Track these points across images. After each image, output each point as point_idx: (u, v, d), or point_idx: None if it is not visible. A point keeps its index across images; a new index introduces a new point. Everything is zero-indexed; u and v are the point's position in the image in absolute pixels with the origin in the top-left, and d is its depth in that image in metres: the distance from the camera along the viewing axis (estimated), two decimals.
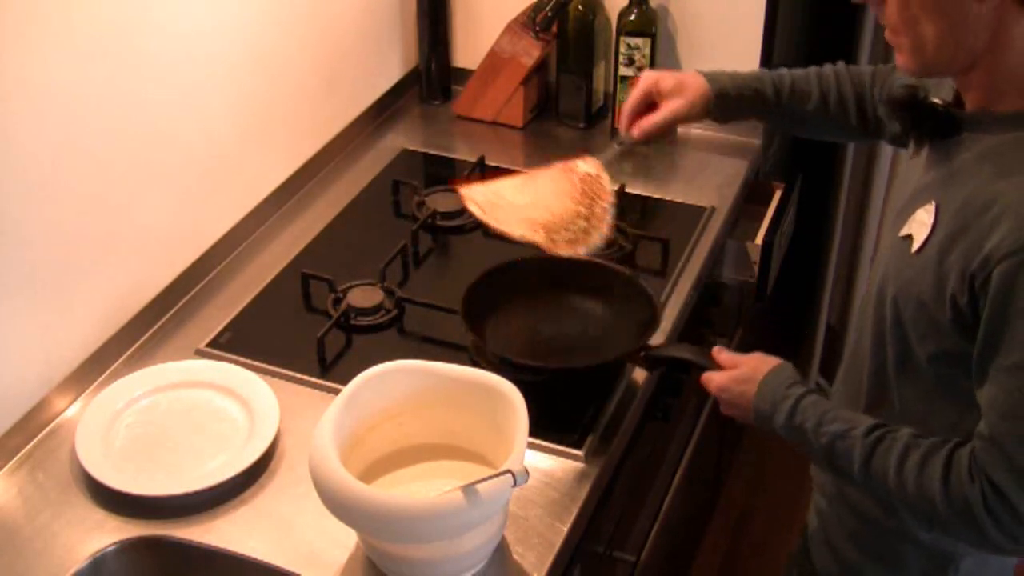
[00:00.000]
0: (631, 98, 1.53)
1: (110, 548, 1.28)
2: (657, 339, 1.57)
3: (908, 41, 1.08)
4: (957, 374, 1.14)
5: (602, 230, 1.40)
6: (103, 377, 1.51)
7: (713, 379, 1.32)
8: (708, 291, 1.85)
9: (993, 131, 1.09)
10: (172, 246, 1.63)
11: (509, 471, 1.11)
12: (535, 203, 1.42)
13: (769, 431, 1.26)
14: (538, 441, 1.38)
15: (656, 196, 1.89)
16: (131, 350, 1.56)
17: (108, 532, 1.29)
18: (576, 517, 1.31)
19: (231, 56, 1.67)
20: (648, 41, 1.96)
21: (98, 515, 1.31)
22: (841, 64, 1.52)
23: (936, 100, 1.16)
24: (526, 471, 1.13)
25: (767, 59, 1.99)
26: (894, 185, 1.30)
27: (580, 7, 1.99)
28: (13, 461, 1.39)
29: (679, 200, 1.88)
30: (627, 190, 1.87)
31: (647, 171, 1.96)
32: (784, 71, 1.53)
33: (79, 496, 1.34)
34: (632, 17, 1.95)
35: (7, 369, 1.38)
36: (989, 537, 1.09)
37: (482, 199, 1.41)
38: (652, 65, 2.00)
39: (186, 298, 1.65)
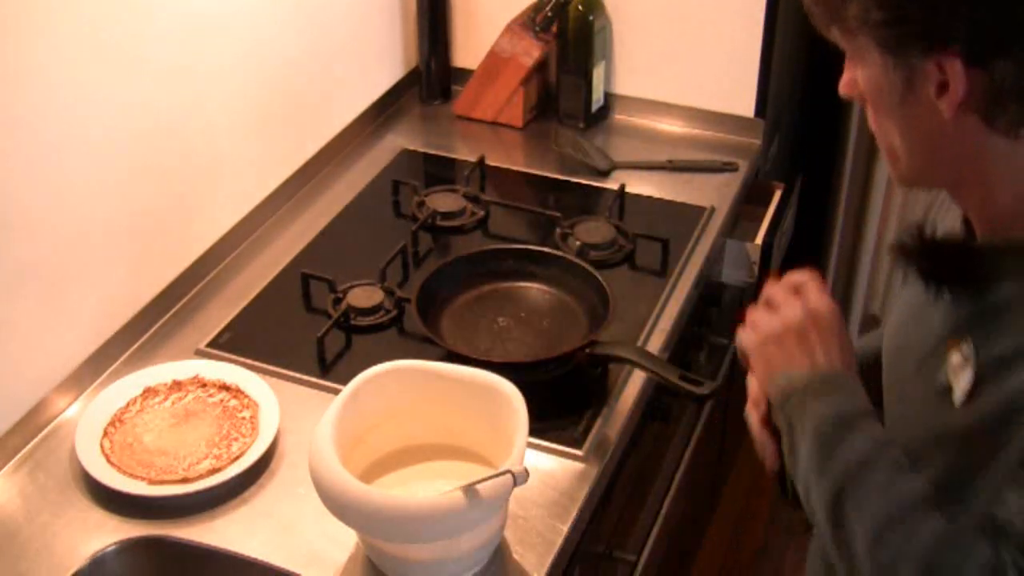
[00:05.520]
0: None
1: (110, 548, 1.28)
2: (657, 339, 1.58)
3: (884, 151, 1.01)
4: None
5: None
6: (103, 377, 1.51)
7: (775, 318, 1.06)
8: (708, 291, 1.85)
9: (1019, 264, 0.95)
10: (172, 246, 1.63)
11: (509, 471, 1.11)
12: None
13: (784, 406, 1.04)
14: (538, 441, 1.38)
15: (656, 196, 1.89)
16: (131, 350, 1.56)
17: (108, 532, 1.29)
18: (576, 517, 1.31)
19: (231, 56, 1.67)
20: None
21: (98, 515, 1.31)
22: None
23: (946, 235, 1.04)
24: (526, 471, 1.13)
25: (767, 58, 1.99)
26: (894, 322, 1.14)
27: (580, 7, 1.99)
28: (13, 461, 1.39)
29: (679, 200, 1.88)
30: (627, 190, 1.87)
31: (647, 171, 1.96)
32: None
33: (79, 496, 1.34)
34: None
35: (7, 369, 1.38)
36: None
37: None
38: None
39: (186, 298, 1.65)
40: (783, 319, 1.07)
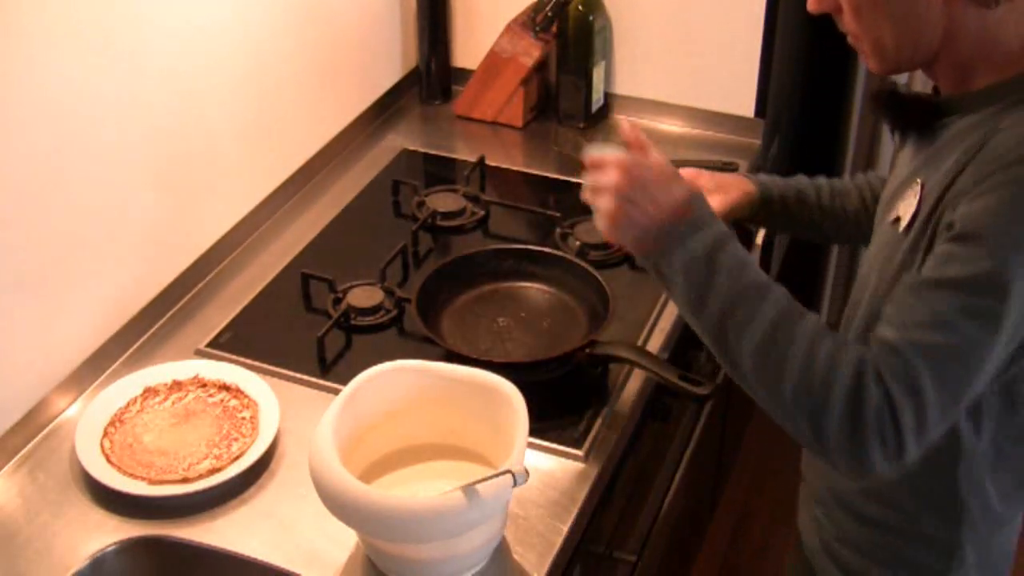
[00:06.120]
0: None
1: (110, 548, 1.28)
2: (657, 339, 1.58)
3: (868, 46, 1.13)
4: None
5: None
6: (103, 377, 1.51)
7: (626, 166, 1.14)
8: None
9: (970, 109, 1.12)
10: (172, 246, 1.63)
11: (509, 471, 1.11)
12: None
13: (656, 253, 1.12)
14: (538, 441, 1.38)
15: None
16: (131, 350, 1.56)
17: (108, 532, 1.29)
18: (576, 517, 1.31)
19: (231, 56, 1.67)
20: None
21: (98, 515, 1.31)
22: (872, 172, 1.52)
23: (915, 91, 1.19)
24: (526, 471, 1.13)
25: (767, 58, 1.99)
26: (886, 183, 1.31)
27: (580, 7, 1.99)
28: (13, 461, 1.39)
29: None
30: None
31: None
32: (819, 178, 1.51)
33: (79, 496, 1.34)
34: None
35: (7, 369, 1.38)
36: (866, 456, 1.03)
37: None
38: None
39: (186, 298, 1.65)
40: (608, 198, 1.13)
